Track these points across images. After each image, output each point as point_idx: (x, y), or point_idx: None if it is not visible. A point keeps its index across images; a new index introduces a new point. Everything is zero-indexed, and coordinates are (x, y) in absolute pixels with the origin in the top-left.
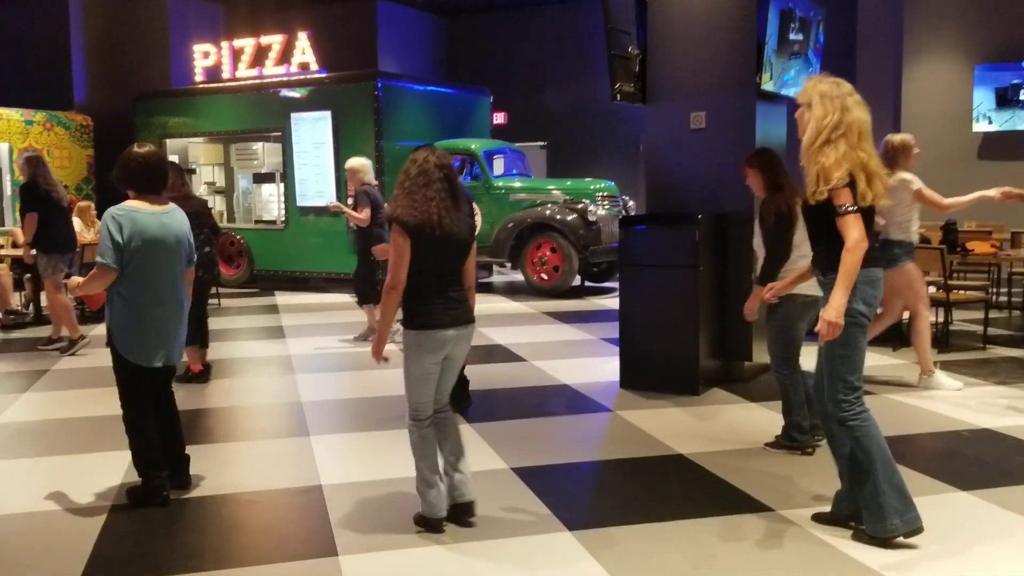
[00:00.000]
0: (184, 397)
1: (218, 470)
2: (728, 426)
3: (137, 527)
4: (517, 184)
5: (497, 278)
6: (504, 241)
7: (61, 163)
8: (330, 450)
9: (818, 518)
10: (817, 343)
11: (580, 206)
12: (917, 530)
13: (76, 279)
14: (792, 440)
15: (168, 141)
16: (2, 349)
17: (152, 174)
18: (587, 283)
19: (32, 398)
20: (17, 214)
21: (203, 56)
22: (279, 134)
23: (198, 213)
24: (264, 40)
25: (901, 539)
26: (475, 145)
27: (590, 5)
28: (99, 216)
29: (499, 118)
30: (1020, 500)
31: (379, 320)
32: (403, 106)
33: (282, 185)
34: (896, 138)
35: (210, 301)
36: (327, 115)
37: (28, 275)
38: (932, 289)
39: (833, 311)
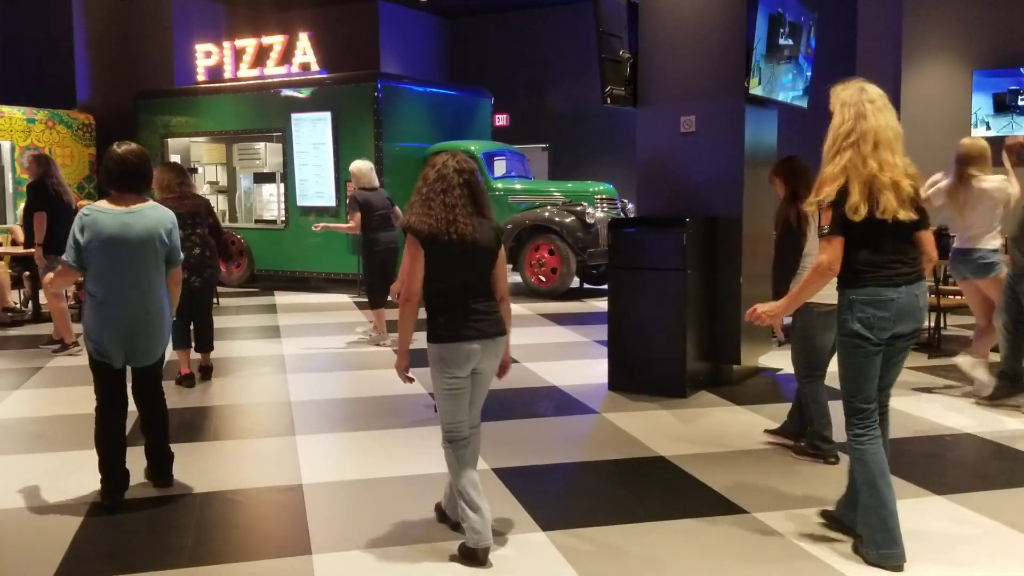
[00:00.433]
0: (175, 396)
1: (202, 468)
2: (713, 429)
3: (116, 525)
4: (517, 186)
5: None
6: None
7: (63, 161)
8: (315, 449)
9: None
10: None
11: (578, 208)
12: (896, 568)
13: (49, 275)
14: (816, 449)
15: (169, 140)
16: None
17: (129, 173)
18: (585, 285)
19: (23, 395)
20: (18, 212)
21: (205, 56)
22: (280, 134)
23: (194, 213)
24: (266, 40)
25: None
26: (475, 147)
27: (592, 7)
28: None
29: (501, 120)
30: (994, 505)
31: (398, 334)
32: (403, 107)
33: (282, 185)
34: (965, 142)
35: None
36: (327, 116)
37: (27, 273)
38: None
39: (768, 309)
